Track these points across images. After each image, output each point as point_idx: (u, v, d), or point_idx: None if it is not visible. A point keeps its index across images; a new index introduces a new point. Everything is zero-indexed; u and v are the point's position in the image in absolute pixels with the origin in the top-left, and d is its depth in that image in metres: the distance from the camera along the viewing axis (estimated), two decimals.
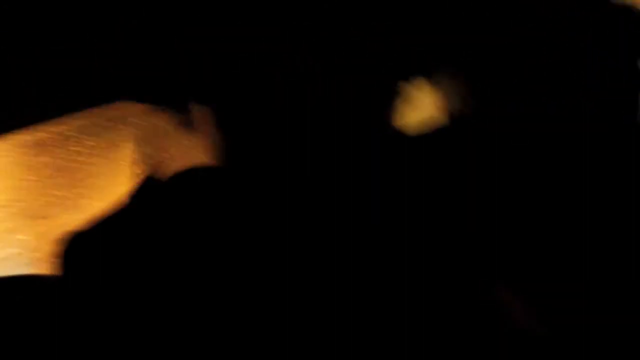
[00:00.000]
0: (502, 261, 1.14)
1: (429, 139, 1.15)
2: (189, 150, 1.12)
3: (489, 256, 1.13)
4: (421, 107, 1.17)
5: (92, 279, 1.09)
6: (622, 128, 1.25)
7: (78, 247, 1.15)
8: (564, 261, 1.20)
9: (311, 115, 1.15)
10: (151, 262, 1.05)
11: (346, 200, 1.14)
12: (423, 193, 1.14)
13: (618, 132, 1.25)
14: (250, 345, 1.02)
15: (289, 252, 1.06)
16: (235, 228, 1.06)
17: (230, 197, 1.09)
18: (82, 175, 1.30)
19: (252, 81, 1.13)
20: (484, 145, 1.18)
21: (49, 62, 1.22)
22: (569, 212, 1.25)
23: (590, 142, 1.23)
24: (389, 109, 1.15)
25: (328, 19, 1.13)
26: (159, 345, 1.01)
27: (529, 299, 1.12)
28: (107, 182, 1.26)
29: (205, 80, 1.13)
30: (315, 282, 1.06)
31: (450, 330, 1.05)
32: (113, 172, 1.26)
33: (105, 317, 1.05)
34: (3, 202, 1.24)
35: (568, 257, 1.21)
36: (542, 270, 1.19)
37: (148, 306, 1.04)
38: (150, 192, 1.14)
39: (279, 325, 1.04)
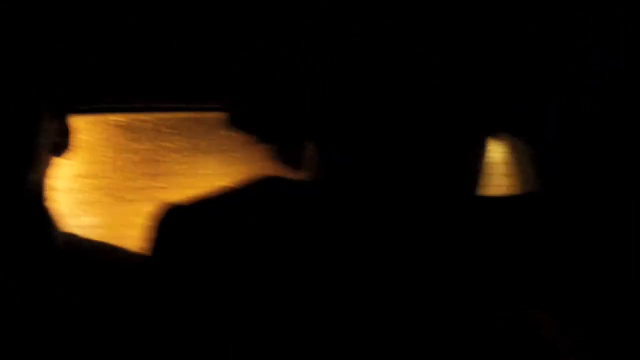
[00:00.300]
0: (502, 265, 1.14)
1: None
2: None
3: (488, 260, 1.13)
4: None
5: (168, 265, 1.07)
6: (621, 128, 1.25)
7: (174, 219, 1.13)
8: (565, 264, 1.21)
9: (311, 115, 1.15)
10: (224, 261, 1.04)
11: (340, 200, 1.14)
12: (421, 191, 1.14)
13: (617, 132, 1.25)
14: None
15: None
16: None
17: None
18: (166, 171, 1.30)
19: (252, 81, 1.14)
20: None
21: (48, 62, 1.22)
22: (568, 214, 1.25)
23: (590, 143, 1.24)
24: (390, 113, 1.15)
25: (328, 19, 1.13)
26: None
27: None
28: (188, 183, 1.27)
29: (204, 80, 1.13)
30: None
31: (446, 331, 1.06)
32: (194, 175, 1.27)
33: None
34: (86, 174, 1.24)
35: (568, 260, 1.21)
36: (543, 275, 1.19)
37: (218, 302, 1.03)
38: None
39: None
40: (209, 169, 1.22)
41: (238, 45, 1.11)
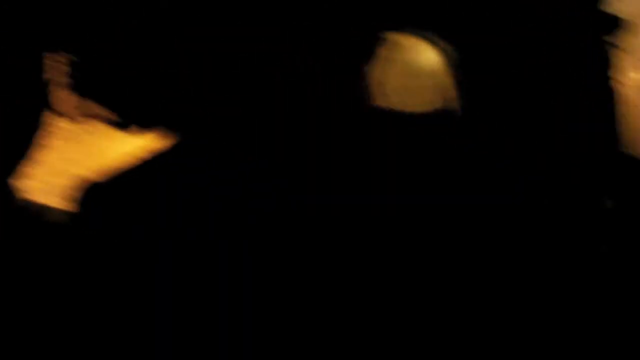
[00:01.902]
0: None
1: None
2: None
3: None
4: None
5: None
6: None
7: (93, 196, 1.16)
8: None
9: (311, 115, 1.15)
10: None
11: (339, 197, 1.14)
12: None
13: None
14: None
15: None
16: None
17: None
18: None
19: (252, 81, 1.13)
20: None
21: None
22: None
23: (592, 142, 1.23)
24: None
25: (328, 19, 1.13)
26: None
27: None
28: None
29: (205, 80, 1.13)
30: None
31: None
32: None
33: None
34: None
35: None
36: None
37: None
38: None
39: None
40: None
41: (238, 45, 1.11)
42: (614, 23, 1.18)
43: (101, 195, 1.14)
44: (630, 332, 1.11)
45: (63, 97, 1.19)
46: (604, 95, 1.24)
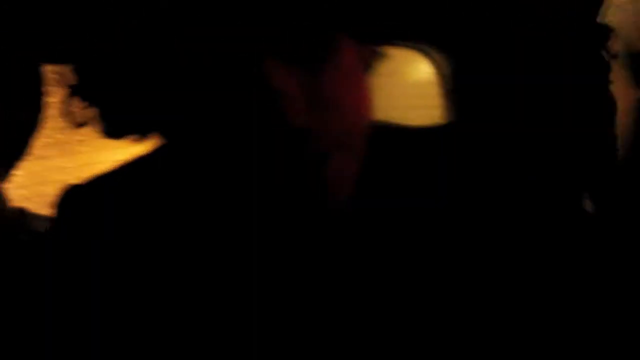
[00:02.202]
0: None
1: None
2: None
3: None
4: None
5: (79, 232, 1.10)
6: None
7: (72, 199, 1.15)
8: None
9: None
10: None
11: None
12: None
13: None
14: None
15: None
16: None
17: None
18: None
19: (252, 81, 1.13)
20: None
21: (48, 62, 1.22)
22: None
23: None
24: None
25: (328, 19, 1.13)
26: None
27: None
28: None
29: (205, 80, 1.13)
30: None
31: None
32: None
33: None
34: None
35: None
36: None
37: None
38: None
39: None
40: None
41: (238, 45, 1.11)
42: (606, 32, 1.19)
43: (91, 200, 1.14)
44: (630, 332, 1.12)
45: (61, 108, 1.19)
46: (602, 98, 1.25)
